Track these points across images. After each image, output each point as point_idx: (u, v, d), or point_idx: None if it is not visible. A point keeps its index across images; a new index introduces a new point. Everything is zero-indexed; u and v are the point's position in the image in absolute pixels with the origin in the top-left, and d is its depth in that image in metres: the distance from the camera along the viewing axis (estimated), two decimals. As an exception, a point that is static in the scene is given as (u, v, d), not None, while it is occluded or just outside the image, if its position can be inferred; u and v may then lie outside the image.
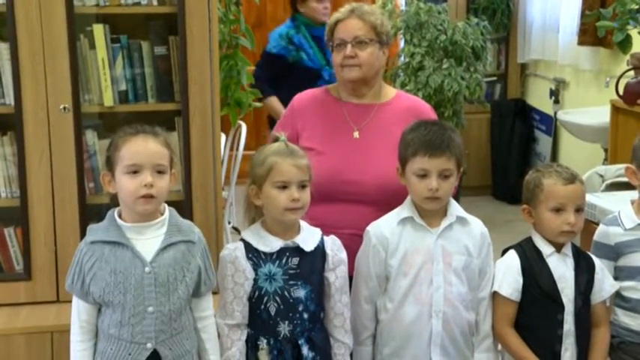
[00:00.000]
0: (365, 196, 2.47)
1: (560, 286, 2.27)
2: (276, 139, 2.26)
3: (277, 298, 2.17)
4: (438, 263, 2.24)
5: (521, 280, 2.28)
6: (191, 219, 2.45)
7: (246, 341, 2.19)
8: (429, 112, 2.65)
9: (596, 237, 2.45)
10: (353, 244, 2.34)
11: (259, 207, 2.24)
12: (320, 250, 2.23)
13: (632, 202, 2.45)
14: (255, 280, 2.17)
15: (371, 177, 2.47)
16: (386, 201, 2.41)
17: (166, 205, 2.13)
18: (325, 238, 2.26)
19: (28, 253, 2.51)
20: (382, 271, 2.27)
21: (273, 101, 4.24)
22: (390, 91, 2.68)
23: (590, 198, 3.00)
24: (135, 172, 2.02)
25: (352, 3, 2.60)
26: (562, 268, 2.28)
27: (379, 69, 2.61)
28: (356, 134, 2.55)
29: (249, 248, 2.19)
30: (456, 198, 2.40)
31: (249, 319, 2.19)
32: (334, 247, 2.25)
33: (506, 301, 2.28)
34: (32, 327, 2.42)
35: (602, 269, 2.34)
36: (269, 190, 2.17)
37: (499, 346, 2.35)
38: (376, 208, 2.42)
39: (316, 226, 2.32)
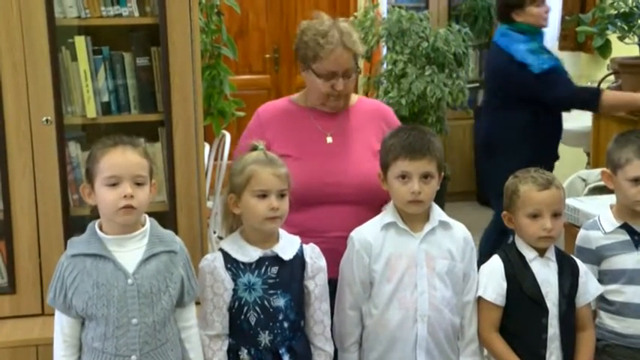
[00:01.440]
0: (346, 197, 2.48)
1: (544, 290, 2.28)
2: (255, 148, 2.26)
3: (257, 308, 2.17)
4: (422, 268, 2.25)
5: (505, 285, 2.29)
6: (175, 229, 2.46)
7: (228, 351, 2.19)
8: (391, 113, 2.72)
9: (578, 242, 2.47)
10: (340, 246, 2.35)
11: (238, 216, 2.24)
12: (299, 259, 2.24)
13: (611, 207, 2.48)
14: (235, 291, 2.17)
15: (350, 177, 2.50)
16: (367, 200, 2.47)
17: (147, 216, 2.13)
18: (304, 246, 2.27)
19: (12, 266, 2.50)
20: (366, 276, 2.28)
21: (609, 93, 3.86)
22: (352, 96, 2.69)
23: (573, 202, 3.03)
24: (114, 183, 2.02)
25: (330, 23, 2.52)
26: (545, 273, 2.30)
27: None
28: (329, 139, 2.56)
29: (228, 258, 2.19)
30: (440, 203, 2.42)
31: (230, 329, 2.20)
32: (313, 255, 2.26)
33: (491, 306, 2.29)
34: (17, 341, 2.41)
35: (587, 272, 2.35)
36: (248, 199, 2.17)
37: (485, 352, 2.37)
38: (358, 208, 2.46)
39: (301, 232, 2.33)
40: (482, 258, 2.44)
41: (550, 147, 3.93)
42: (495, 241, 3.71)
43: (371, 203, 2.47)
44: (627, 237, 2.39)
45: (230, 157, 3.78)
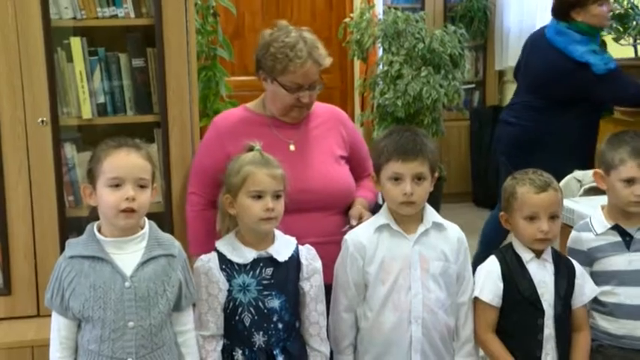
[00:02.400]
0: (314, 203, 2.48)
1: (540, 291, 2.28)
2: (251, 149, 2.26)
3: (251, 309, 2.17)
4: (416, 269, 2.25)
5: (501, 286, 2.29)
6: (171, 230, 2.46)
7: (222, 352, 2.19)
8: (346, 116, 2.75)
9: (569, 243, 2.47)
10: (318, 251, 2.32)
11: (234, 216, 2.24)
12: (294, 260, 2.24)
13: (602, 207, 2.48)
14: (230, 291, 2.17)
15: (316, 184, 2.49)
16: (333, 204, 2.50)
17: (146, 219, 2.12)
18: (300, 247, 2.27)
19: (8, 268, 2.50)
20: (360, 279, 2.28)
21: None
22: None
23: (568, 203, 3.02)
24: (117, 185, 2.01)
25: (302, 33, 2.51)
26: (542, 274, 2.30)
27: None
28: (292, 147, 2.56)
29: (223, 259, 2.19)
30: (436, 205, 2.42)
31: (225, 329, 2.20)
32: (309, 257, 2.26)
33: (487, 307, 2.30)
34: (12, 342, 2.41)
35: (583, 274, 2.35)
36: (244, 199, 2.17)
37: (481, 352, 2.37)
38: (326, 213, 2.48)
39: None
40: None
41: (591, 147, 3.88)
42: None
43: (338, 207, 2.51)
44: (618, 238, 2.39)
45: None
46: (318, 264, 2.27)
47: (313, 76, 2.50)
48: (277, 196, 2.19)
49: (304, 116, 2.59)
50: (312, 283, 2.25)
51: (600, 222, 2.43)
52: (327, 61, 2.54)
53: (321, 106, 2.70)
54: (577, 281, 2.33)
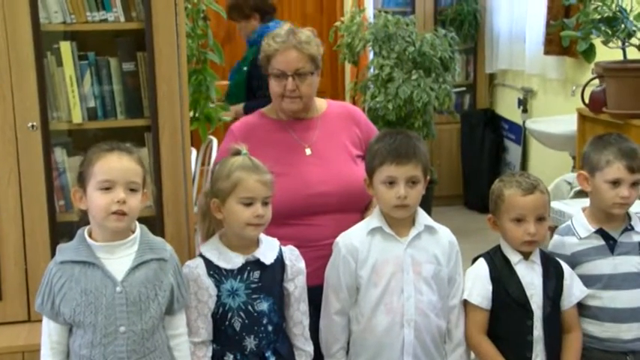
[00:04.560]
0: (333, 206, 2.50)
1: (528, 292, 2.29)
2: (237, 152, 2.26)
3: (241, 313, 2.17)
4: (408, 273, 2.26)
5: (490, 288, 2.30)
6: (162, 234, 2.45)
7: (212, 357, 2.19)
8: (360, 112, 2.77)
9: (551, 247, 2.46)
10: None
11: (216, 219, 2.24)
12: (279, 262, 2.24)
13: (584, 210, 2.48)
14: (219, 297, 2.17)
15: (334, 186, 2.51)
16: (352, 205, 2.52)
17: (137, 223, 2.12)
18: (283, 248, 2.28)
19: (-2, 273, 2.49)
20: (353, 281, 2.28)
21: None
22: (321, 102, 2.71)
23: (558, 205, 3.04)
24: (108, 188, 2.01)
25: (287, 28, 2.57)
26: (530, 275, 2.31)
27: (315, 92, 2.64)
28: (308, 151, 2.58)
29: (210, 265, 2.19)
30: (427, 207, 2.43)
31: (215, 335, 2.20)
32: (292, 258, 2.27)
33: (477, 309, 2.30)
34: (3, 347, 2.39)
35: (571, 275, 2.36)
36: (233, 205, 2.17)
37: (472, 355, 2.37)
38: (345, 214, 2.49)
39: (299, 244, 2.35)
40: None
41: None
42: None
43: (356, 207, 2.53)
44: (602, 242, 2.39)
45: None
46: (302, 265, 2.28)
47: (296, 63, 2.51)
48: (265, 203, 2.19)
49: (301, 109, 2.58)
50: (296, 284, 2.25)
51: (583, 226, 2.42)
52: (314, 49, 2.55)
53: (335, 106, 2.72)
54: (565, 282, 2.34)
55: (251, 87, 4.56)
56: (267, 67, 2.57)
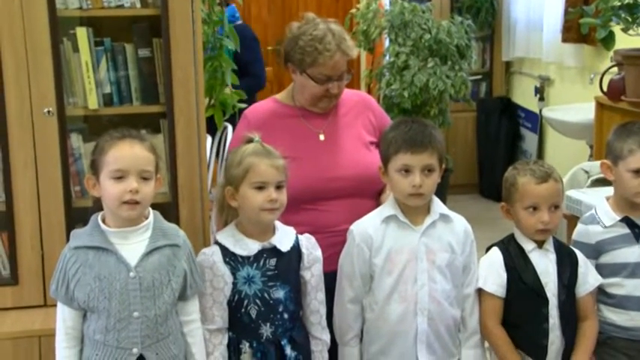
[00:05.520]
0: (347, 190, 2.50)
1: (543, 280, 2.28)
2: (250, 140, 2.25)
3: (257, 301, 2.17)
4: (422, 261, 2.25)
5: (505, 276, 2.29)
6: (177, 221, 2.46)
7: (228, 345, 2.19)
8: (374, 101, 2.78)
9: (575, 236, 2.46)
10: None
11: (233, 208, 2.24)
12: (296, 249, 2.24)
13: (608, 199, 2.47)
14: (234, 284, 2.17)
15: (348, 170, 2.52)
16: (366, 190, 2.53)
17: (151, 209, 2.13)
18: (300, 236, 2.27)
19: (15, 258, 2.50)
20: (367, 270, 2.28)
21: None
22: None
23: (575, 194, 3.02)
24: (120, 177, 2.02)
25: (329, 25, 2.53)
26: (545, 263, 2.30)
27: None
28: (321, 137, 2.58)
29: (226, 252, 2.19)
30: (442, 196, 2.42)
31: (230, 322, 2.20)
32: (309, 246, 2.26)
33: (492, 297, 2.30)
34: (19, 332, 2.41)
35: (586, 263, 2.35)
36: (246, 190, 2.17)
37: (486, 343, 2.37)
38: (359, 199, 2.51)
39: (314, 229, 2.35)
40: None
41: None
42: None
43: (370, 192, 2.54)
44: (627, 230, 2.39)
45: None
46: (318, 253, 2.28)
47: (342, 67, 2.52)
48: (279, 187, 2.18)
49: (333, 105, 2.60)
50: (312, 272, 2.25)
51: (608, 214, 2.41)
52: (355, 52, 2.57)
53: (349, 93, 2.72)
54: (580, 270, 2.33)
55: None
56: (305, 68, 2.51)
